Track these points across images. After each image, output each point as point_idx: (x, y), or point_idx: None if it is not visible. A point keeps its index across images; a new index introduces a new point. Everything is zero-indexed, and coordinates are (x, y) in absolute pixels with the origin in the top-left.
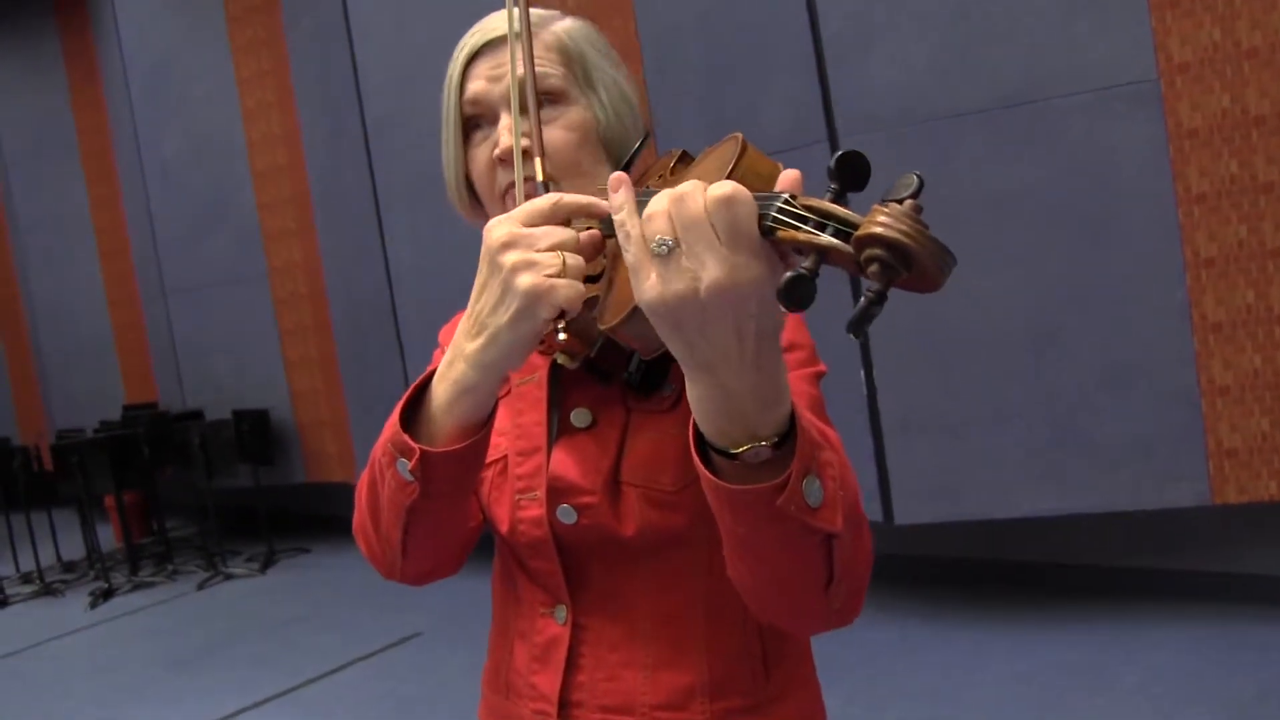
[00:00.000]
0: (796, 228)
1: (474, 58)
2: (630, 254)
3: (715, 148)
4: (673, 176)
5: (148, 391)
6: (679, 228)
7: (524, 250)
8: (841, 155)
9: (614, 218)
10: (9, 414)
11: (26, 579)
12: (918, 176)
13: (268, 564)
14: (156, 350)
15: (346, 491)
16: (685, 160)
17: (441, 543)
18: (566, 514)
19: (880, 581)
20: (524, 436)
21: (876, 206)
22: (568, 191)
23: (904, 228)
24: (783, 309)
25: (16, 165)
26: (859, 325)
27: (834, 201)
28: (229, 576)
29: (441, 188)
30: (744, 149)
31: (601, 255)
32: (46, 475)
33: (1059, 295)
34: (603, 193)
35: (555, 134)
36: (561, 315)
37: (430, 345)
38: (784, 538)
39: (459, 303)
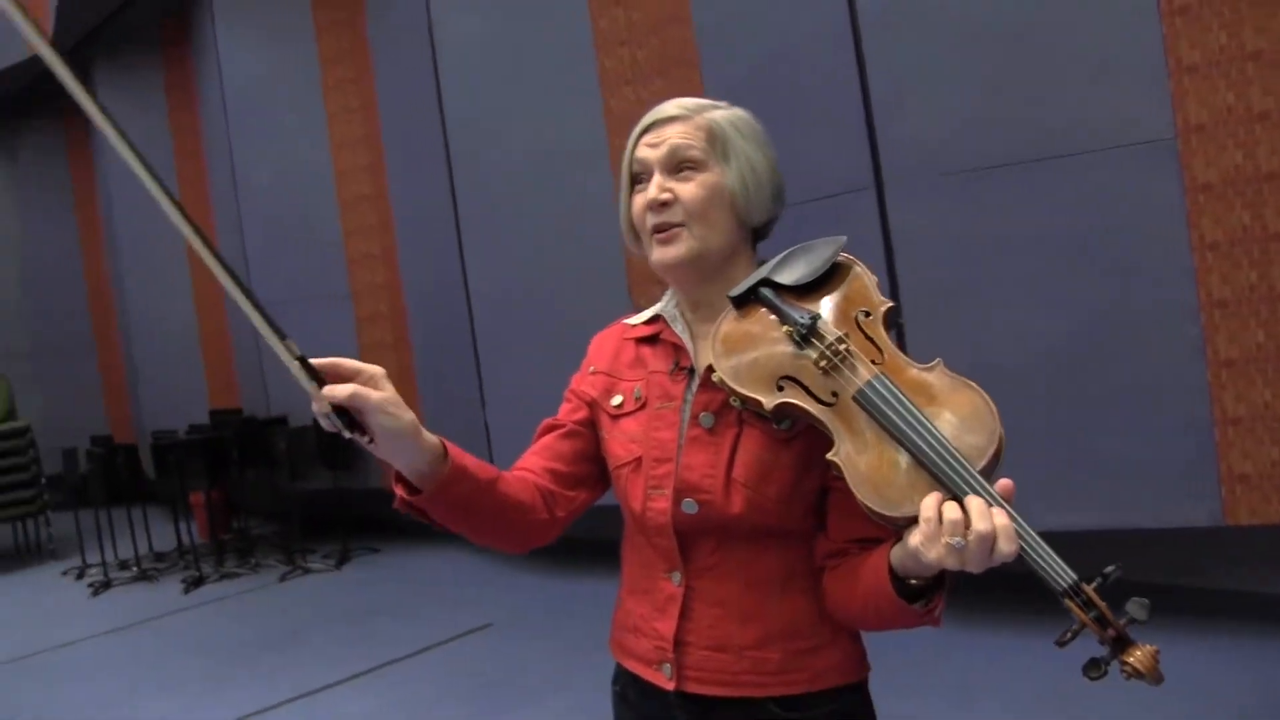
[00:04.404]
0: (1082, 615)
1: (645, 131)
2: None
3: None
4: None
5: (231, 398)
6: (972, 540)
7: None
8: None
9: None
10: (101, 414)
11: (124, 565)
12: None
13: (343, 561)
14: (242, 359)
15: None
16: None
17: (489, 530)
18: (690, 506)
19: None
20: (658, 447)
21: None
22: (697, 234)
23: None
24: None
25: (120, 188)
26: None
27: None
28: (307, 571)
29: (520, 217)
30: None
31: (832, 381)
32: (140, 472)
33: (1081, 330)
34: (719, 239)
35: (689, 188)
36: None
37: (504, 359)
38: (907, 624)
39: (534, 323)
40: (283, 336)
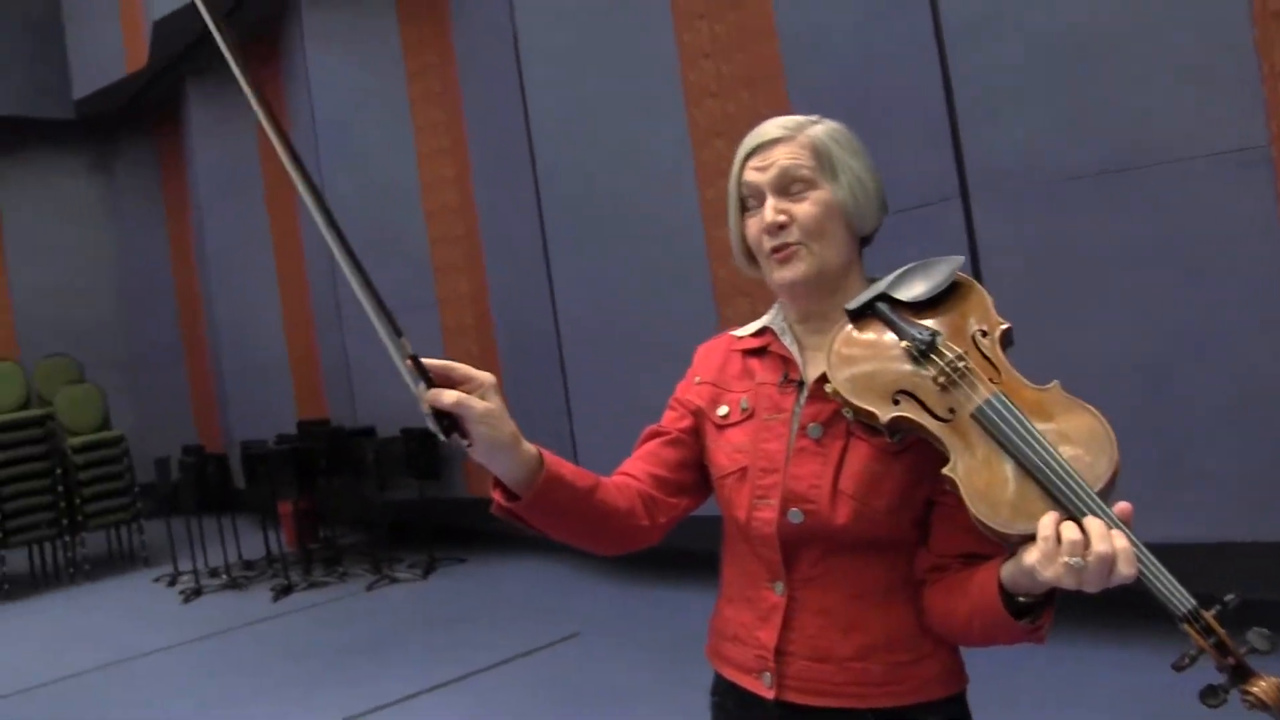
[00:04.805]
0: (1201, 642)
1: (750, 155)
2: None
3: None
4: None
5: (318, 408)
6: (1092, 561)
7: None
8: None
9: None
10: (191, 424)
11: (214, 573)
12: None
13: (429, 570)
14: (329, 370)
15: None
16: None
17: (585, 535)
18: (795, 515)
19: None
20: (765, 458)
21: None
22: (816, 251)
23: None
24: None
25: (210, 202)
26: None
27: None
28: (394, 580)
29: (605, 228)
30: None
31: (950, 397)
32: (229, 481)
33: (1174, 340)
34: (835, 254)
35: (804, 208)
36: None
37: (590, 371)
38: (1012, 639)
39: (619, 334)
40: (399, 334)
